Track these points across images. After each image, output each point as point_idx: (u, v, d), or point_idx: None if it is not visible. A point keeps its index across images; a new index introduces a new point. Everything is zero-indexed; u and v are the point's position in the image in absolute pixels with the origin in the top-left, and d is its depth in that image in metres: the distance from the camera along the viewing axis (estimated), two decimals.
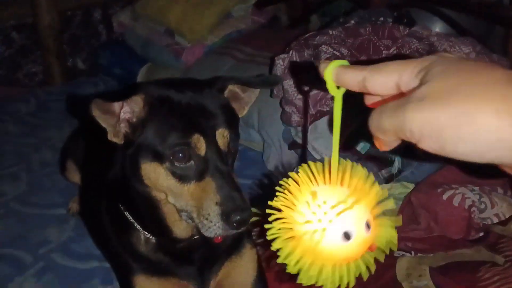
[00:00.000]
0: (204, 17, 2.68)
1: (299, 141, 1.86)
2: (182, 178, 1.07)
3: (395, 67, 0.55)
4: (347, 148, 1.72)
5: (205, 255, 1.29)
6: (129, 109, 1.09)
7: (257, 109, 2.18)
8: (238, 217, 1.02)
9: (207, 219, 1.04)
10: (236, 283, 1.36)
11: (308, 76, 1.71)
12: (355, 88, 0.58)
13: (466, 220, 1.58)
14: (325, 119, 1.76)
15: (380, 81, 0.55)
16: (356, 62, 0.71)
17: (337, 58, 1.75)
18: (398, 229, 1.72)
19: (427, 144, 0.50)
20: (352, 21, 1.91)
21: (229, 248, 1.33)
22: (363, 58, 1.74)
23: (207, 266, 1.31)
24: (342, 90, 0.59)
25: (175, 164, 1.06)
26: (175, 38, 2.78)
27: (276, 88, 1.86)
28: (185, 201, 1.08)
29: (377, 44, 1.73)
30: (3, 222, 1.88)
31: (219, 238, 1.20)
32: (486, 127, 0.47)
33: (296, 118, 1.79)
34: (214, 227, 1.04)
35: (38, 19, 3.04)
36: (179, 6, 2.68)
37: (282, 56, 1.79)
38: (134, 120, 1.09)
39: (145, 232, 1.24)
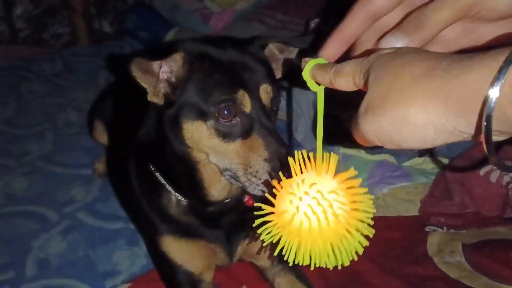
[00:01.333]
0: None
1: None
2: (226, 136, 1.03)
3: (349, 70, 0.61)
4: None
5: (234, 220, 1.27)
6: (167, 69, 1.05)
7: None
8: (287, 168, 0.99)
9: (255, 176, 1.01)
10: (261, 247, 1.32)
11: None
12: (329, 86, 0.64)
13: (503, 197, 1.52)
14: None
15: (342, 82, 0.62)
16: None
17: None
18: (431, 204, 1.65)
19: (388, 146, 0.57)
20: None
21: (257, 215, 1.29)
22: None
23: (235, 231, 1.29)
24: (323, 86, 0.65)
25: (220, 121, 1.02)
26: (203, 2, 2.73)
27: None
28: (230, 159, 1.05)
29: None
30: (29, 180, 1.87)
31: (250, 201, 1.20)
32: (420, 124, 0.52)
33: None
34: (260, 182, 1.01)
35: None
36: None
37: (315, 20, 1.72)
38: (174, 79, 1.06)
39: (177, 194, 1.21)
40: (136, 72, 1.01)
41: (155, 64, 1.03)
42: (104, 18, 3.29)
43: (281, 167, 0.98)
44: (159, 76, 1.05)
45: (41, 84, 2.63)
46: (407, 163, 1.72)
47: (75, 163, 1.99)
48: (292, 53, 1.18)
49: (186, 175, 1.14)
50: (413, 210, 1.62)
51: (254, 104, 1.03)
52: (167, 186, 1.21)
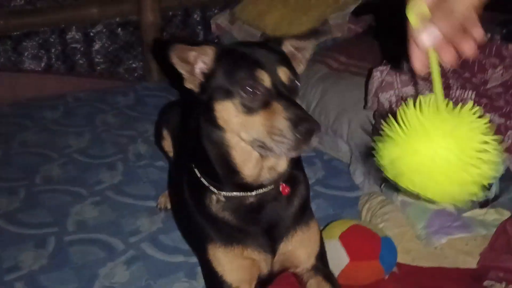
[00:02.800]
0: (301, 23, 2.70)
1: None
2: (251, 110, 1.18)
3: None
4: None
5: (273, 217, 1.36)
6: (202, 64, 1.25)
7: (347, 119, 2.16)
8: (307, 125, 1.11)
9: (278, 134, 1.13)
10: (303, 256, 1.44)
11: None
12: None
13: None
14: None
15: None
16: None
17: None
18: (491, 257, 1.65)
19: None
20: None
21: (295, 216, 1.40)
22: (466, 76, 1.68)
23: (275, 230, 1.38)
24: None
25: (244, 96, 1.18)
26: None
27: (370, 100, 1.83)
28: (256, 129, 1.18)
29: (483, 62, 1.66)
30: (98, 209, 2.00)
31: (286, 189, 1.34)
32: None
33: None
34: (286, 140, 1.12)
35: (142, 17, 3.20)
36: (277, 11, 2.72)
37: (380, 68, 1.76)
38: (206, 71, 1.26)
39: (215, 191, 1.34)
40: (173, 58, 1.22)
41: (191, 55, 1.24)
42: None
43: (302, 121, 1.11)
44: (195, 68, 1.26)
45: (114, 116, 2.80)
46: (467, 214, 1.69)
47: (142, 194, 2.10)
48: (308, 48, 1.37)
49: (221, 161, 1.29)
50: (471, 263, 1.60)
51: (273, 80, 1.19)
52: (209, 185, 1.35)
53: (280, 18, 2.70)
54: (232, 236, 1.36)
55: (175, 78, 1.33)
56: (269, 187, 1.33)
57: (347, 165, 2.22)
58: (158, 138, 2.13)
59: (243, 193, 1.32)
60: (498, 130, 1.57)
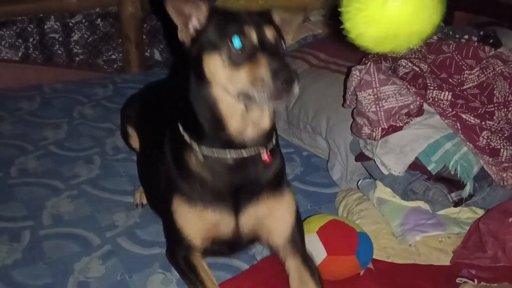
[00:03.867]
0: None
1: (367, 153, 1.84)
2: (236, 63, 1.24)
3: None
4: (416, 167, 1.69)
5: (247, 180, 1.41)
6: (196, 20, 1.32)
7: (326, 116, 2.17)
8: (286, 73, 1.17)
9: (260, 82, 1.19)
10: (276, 225, 1.48)
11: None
12: None
13: None
14: (396, 135, 1.73)
15: None
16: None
17: (416, 73, 1.72)
18: (463, 255, 1.73)
19: None
20: (435, 36, 1.86)
21: (269, 184, 1.45)
22: (443, 76, 1.70)
23: (245, 192, 1.43)
24: None
25: (231, 50, 1.24)
26: None
27: (349, 98, 1.85)
28: (241, 81, 1.24)
29: (460, 63, 1.68)
30: (75, 203, 1.98)
31: (268, 157, 1.39)
32: None
33: (367, 130, 1.77)
34: (267, 88, 1.18)
35: (122, 9, 3.17)
36: (257, 6, 2.71)
37: (359, 67, 1.77)
38: (199, 27, 1.32)
39: (196, 148, 1.39)
40: (169, 9, 1.28)
41: (186, 9, 1.30)
42: (155, 47, 3.44)
43: (283, 69, 1.18)
44: (188, 21, 1.31)
45: (92, 108, 2.77)
46: (442, 212, 1.72)
47: (119, 189, 2.08)
48: (295, 20, 1.45)
49: (208, 116, 1.34)
50: (445, 260, 1.63)
51: (259, 36, 1.25)
52: (191, 142, 1.40)
53: None
54: (200, 193, 1.43)
55: None
56: (250, 151, 1.37)
57: (326, 162, 2.23)
58: (124, 136, 2.15)
59: (225, 150, 1.37)
60: (474, 131, 1.60)
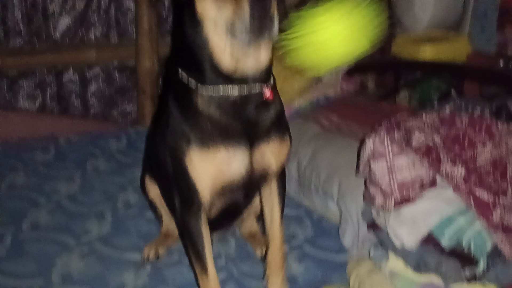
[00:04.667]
0: (295, 80, 2.75)
1: (380, 223, 1.84)
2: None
3: None
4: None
5: (253, 115, 1.49)
6: None
7: (338, 181, 2.18)
8: (262, 11, 1.28)
9: (241, 18, 1.29)
10: (274, 162, 1.59)
11: None
12: None
13: None
14: (409, 207, 1.73)
15: None
16: None
17: (429, 146, 1.74)
18: None
19: None
20: (447, 108, 1.89)
21: (273, 123, 1.54)
22: (456, 150, 1.72)
23: (254, 129, 1.51)
24: None
25: None
26: None
27: (362, 167, 1.86)
28: (226, 15, 1.33)
29: (473, 139, 1.71)
30: (85, 261, 1.97)
31: (270, 93, 1.50)
32: None
33: (379, 200, 1.77)
34: (245, 22, 1.29)
35: (139, 63, 3.25)
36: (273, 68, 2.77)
37: (372, 136, 1.80)
38: None
39: (204, 89, 1.46)
40: None
41: None
42: None
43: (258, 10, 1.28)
44: None
45: (106, 161, 2.80)
46: (455, 287, 1.70)
47: (130, 246, 2.08)
48: None
49: (205, 55, 1.43)
50: None
51: None
52: (196, 85, 1.47)
53: (275, 74, 2.74)
54: (211, 134, 1.47)
55: None
56: (251, 87, 1.45)
57: (337, 226, 2.23)
58: (142, 184, 2.15)
59: (227, 86, 1.44)
60: (487, 207, 1.61)
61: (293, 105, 2.82)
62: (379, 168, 1.74)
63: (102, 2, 3.10)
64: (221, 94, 1.46)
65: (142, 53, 3.21)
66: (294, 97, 2.80)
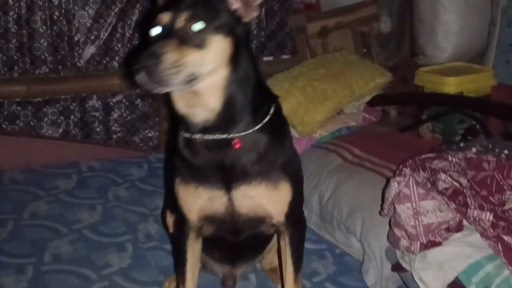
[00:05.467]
0: (316, 111, 2.74)
1: (405, 265, 1.81)
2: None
3: None
4: None
5: (226, 158, 1.47)
6: None
7: (361, 217, 2.16)
8: (141, 58, 1.23)
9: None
10: (270, 208, 1.55)
11: None
12: None
13: None
14: (435, 250, 1.70)
15: None
16: None
17: (456, 190, 1.71)
18: None
19: None
20: (474, 149, 1.87)
21: (260, 170, 1.49)
22: (484, 194, 1.69)
23: (231, 170, 1.48)
24: None
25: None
26: None
27: (386, 208, 1.84)
28: None
29: (501, 183, 1.67)
30: None
31: (237, 144, 1.45)
32: None
33: (404, 243, 1.74)
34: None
35: None
36: (294, 99, 2.77)
37: (397, 178, 1.78)
38: None
39: (183, 134, 1.49)
40: None
41: None
42: None
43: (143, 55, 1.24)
44: None
45: (127, 189, 2.81)
46: None
47: (149, 282, 2.07)
48: None
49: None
50: None
51: (170, 22, 1.32)
52: (182, 130, 1.49)
53: (297, 105, 2.75)
54: (192, 173, 1.52)
55: None
56: (218, 136, 1.43)
57: (359, 262, 2.20)
58: (163, 217, 2.13)
59: (196, 135, 1.45)
60: None
61: (315, 136, 2.81)
62: (404, 211, 1.72)
63: (126, 31, 3.13)
64: (189, 137, 1.47)
65: None
66: (315, 128, 2.79)
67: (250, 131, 1.46)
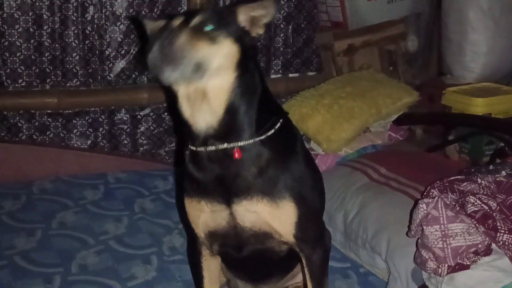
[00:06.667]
0: (342, 129, 2.74)
1: (431, 287, 1.79)
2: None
3: None
4: None
5: (227, 171, 1.48)
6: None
7: (387, 237, 2.14)
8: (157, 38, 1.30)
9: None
10: (276, 226, 1.53)
11: None
12: None
13: None
14: (463, 273, 1.68)
15: None
16: None
17: (486, 213, 1.69)
18: None
19: None
20: (503, 172, 1.85)
21: (261, 185, 1.49)
22: None
23: (231, 184, 1.49)
24: None
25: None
26: (310, 144, 2.87)
27: (414, 229, 1.83)
28: None
29: None
30: None
31: (237, 153, 1.45)
32: None
33: (432, 265, 1.73)
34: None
35: None
36: (320, 116, 2.78)
37: (426, 200, 1.77)
38: None
39: (187, 145, 1.52)
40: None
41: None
42: None
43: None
44: None
45: (152, 201, 2.84)
46: None
47: None
48: (266, 15, 1.46)
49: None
50: None
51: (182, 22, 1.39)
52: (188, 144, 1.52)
53: (323, 122, 2.76)
54: (193, 188, 1.55)
55: None
56: (216, 142, 1.43)
57: (384, 282, 2.18)
58: None
59: (198, 147, 1.46)
60: None
61: (340, 154, 2.81)
62: (432, 233, 1.71)
63: None
64: (194, 149, 1.49)
65: None
66: (341, 146, 2.79)
67: (251, 141, 1.46)
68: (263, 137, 1.48)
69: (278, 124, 1.53)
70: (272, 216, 1.52)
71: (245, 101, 1.44)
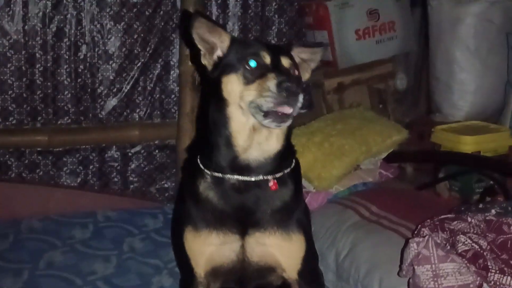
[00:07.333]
0: (333, 167, 2.75)
1: None
2: (249, 80, 1.43)
3: None
4: None
5: (252, 202, 1.50)
6: (219, 50, 1.54)
7: (379, 278, 2.12)
8: (289, 84, 1.35)
9: (266, 90, 1.37)
10: (285, 260, 1.55)
11: None
12: None
13: None
14: None
15: None
16: None
17: (476, 252, 1.69)
18: None
19: None
20: (493, 211, 1.85)
21: (278, 219, 1.52)
22: (504, 257, 1.66)
23: (251, 216, 1.51)
24: None
25: (246, 69, 1.44)
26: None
27: (405, 269, 1.81)
28: (251, 94, 1.40)
29: None
30: None
31: (275, 186, 1.50)
32: None
33: None
34: (270, 94, 1.35)
35: (180, 142, 3.30)
36: (311, 154, 2.79)
37: (416, 239, 1.76)
38: (221, 54, 1.55)
39: (207, 172, 1.53)
40: (194, 35, 1.51)
41: (211, 39, 1.53)
42: None
43: (286, 81, 1.36)
44: (213, 49, 1.54)
45: (142, 240, 2.80)
46: None
47: None
48: (314, 59, 1.67)
49: (221, 133, 1.50)
50: None
51: (274, 61, 1.46)
52: (203, 168, 1.54)
53: (314, 160, 2.77)
54: (206, 218, 1.53)
55: None
56: (255, 178, 1.49)
57: None
58: None
59: (231, 175, 1.49)
60: None
61: (331, 191, 2.81)
62: (424, 272, 1.69)
63: (148, 84, 3.21)
64: (224, 178, 1.50)
65: (183, 132, 3.27)
66: (332, 183, 2.79)
67: (281, 173, 1.54)
68: (288, 170, 1.57)
69: (294, 161, 1.63)
70: (282, 250, 1.54)
71: (288, 139, 1.59)
